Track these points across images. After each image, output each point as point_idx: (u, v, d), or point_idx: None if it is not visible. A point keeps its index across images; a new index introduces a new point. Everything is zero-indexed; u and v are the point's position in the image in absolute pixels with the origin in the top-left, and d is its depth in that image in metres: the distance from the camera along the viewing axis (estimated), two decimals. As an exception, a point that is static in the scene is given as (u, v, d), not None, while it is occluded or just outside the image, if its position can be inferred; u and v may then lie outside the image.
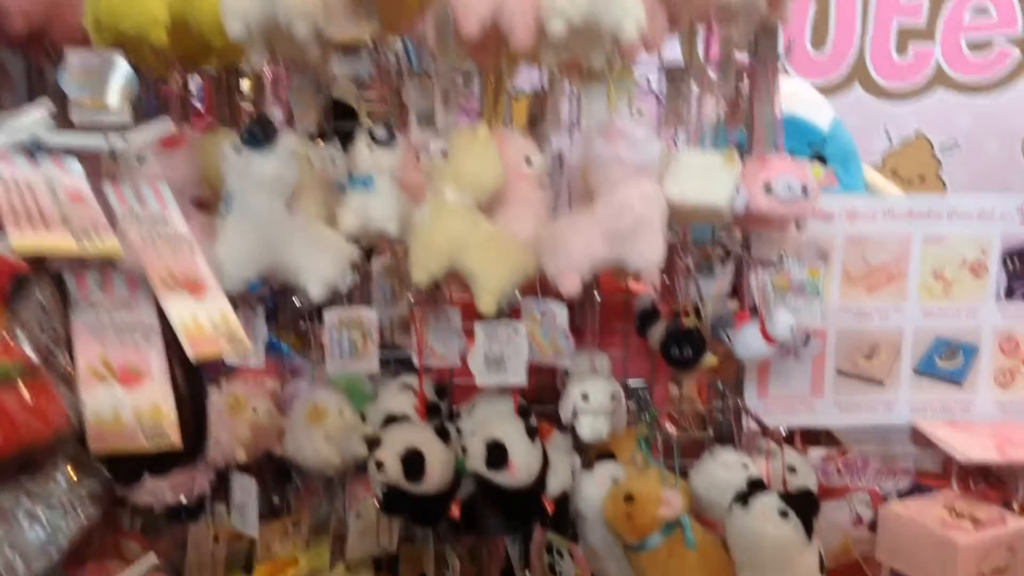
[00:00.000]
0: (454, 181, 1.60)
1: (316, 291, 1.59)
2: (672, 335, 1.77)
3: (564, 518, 1.80)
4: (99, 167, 0.83)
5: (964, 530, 1.73)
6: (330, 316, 1.69)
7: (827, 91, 3.22)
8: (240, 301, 1.73)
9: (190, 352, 0.80)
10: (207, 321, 0.82)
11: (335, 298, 1.75)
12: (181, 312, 0.81)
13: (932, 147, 3.58)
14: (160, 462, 0.89)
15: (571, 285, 1.62)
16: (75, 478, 0.78)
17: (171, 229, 0.84)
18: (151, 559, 1.00)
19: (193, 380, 0.87)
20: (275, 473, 2.00)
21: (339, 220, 1.64)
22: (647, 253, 1.59)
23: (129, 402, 0.81)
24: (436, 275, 1.62)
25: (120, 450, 0.80)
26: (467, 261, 1.62)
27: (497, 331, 1.72)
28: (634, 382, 2.06)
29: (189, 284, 0.83)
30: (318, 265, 1.59)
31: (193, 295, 0.83)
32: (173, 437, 0.82)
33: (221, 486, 1.87)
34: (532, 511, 1.77)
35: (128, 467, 0.86)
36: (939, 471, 2.05)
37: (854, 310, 2.02)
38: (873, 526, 2.01)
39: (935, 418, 2.03)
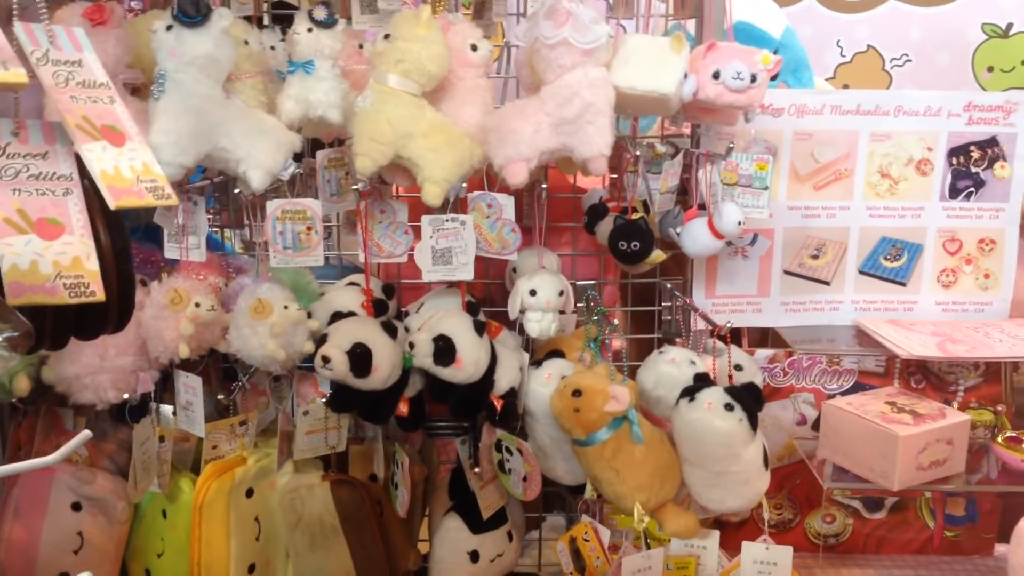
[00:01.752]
0: (397, 66, 1.56)
1: (257, 180, 1.55)
2: (620, 229, 1.76)
3: (513, 416, 1.80)
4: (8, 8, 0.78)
5: (904, 423, 1.76)
6: (272, 206, 1.65)
7: (780, 2, 3.18)
8: (180, 192, 1.69)
9: (110, 200, 0.77)
10: (128, 170, 0.79)
11: (279, 192, 1.72)
12: (100, 159, 0.77)
13: (883, 61, 3.57)
14: (86, 326, 0.86)
15: (518, 175, 1.60)
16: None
17: (88, 75, 0.80)
18: (86, 434, 0.97)
19: (117, 239, 0.84)
20: (221, 373, 1.98)
21: (279, 107, 1.59)
22: (595, 140, 1.57)
23: (48, 254, 0.77)
24: (380, 163, 1.59)
25: (40, 303, 0.77)
26: (412, 150, 1.59)
27: (444, 225, 1.69)
28: (583, 282, 2.05)
29: (108, 132, 0.79)
30: (258, 152, 1.55)
31: (113, 144, 0.79)
32: (97, 292, 0.79)
33: (166, 387, 1.85)
34: (480, 408, 1.77)
35: (53, 330, 0.83)
36: (882, 371, 2.08)
37: (801, 209, 2.02)
38: (816, 425, 2.04)
39: (879, 318, 2.05)
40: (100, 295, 0.79)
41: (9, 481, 1.85)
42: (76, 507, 1.81)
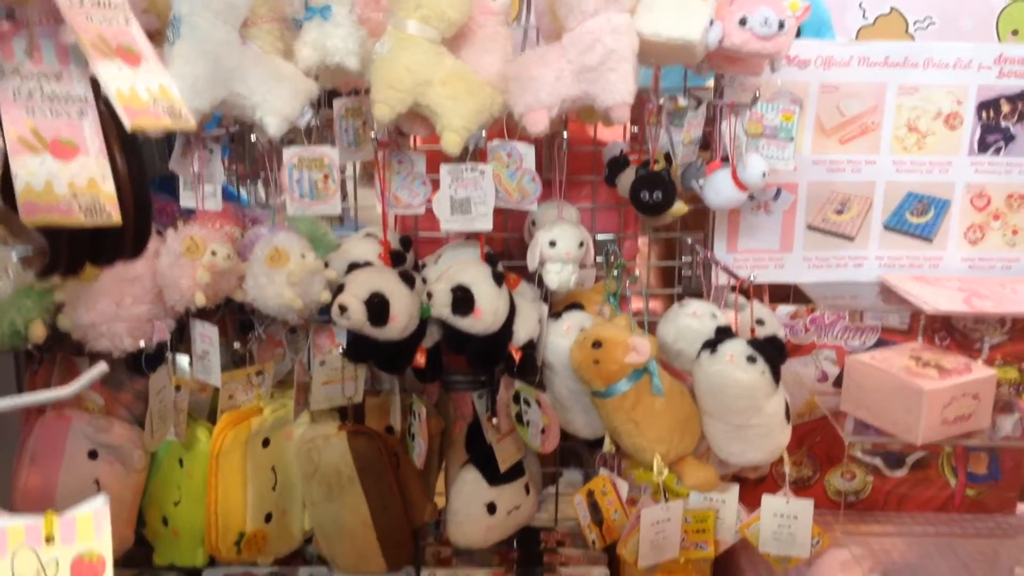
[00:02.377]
0: (416, 12, 1.53)
1: (273, 126, 1.53)
2: (642, 179, 1.73)
3: (531, 368, 1.79)
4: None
5: (929, 377, 1.73)
6: (289, 154, 1.63)
7: (804, -41, 3.12)
8: (196, 141, 1.68)
9: (126, 121, 0.75)
10: (144, 91, 0.77)
11: (296, 142, 1.70)
12: (116, 79, 0.75)
13: (907, 23, 3.50)
14: (102, 251, 0.85)
15: (539, 123, 1.57)
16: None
17: (103, -8, 0.78)
18: (102, 367, 0.96)
19: (134, 164, 0.82)
20: (237, 324, 1.97)
21: (296, 53, 1.57)
22: (618, 87, 1.53)
23: (63, 175, 0.75)
24: (398, 111, 1.56)
25: (55, 223, 0.75)
26: (430, 97, 1.56)
27: (463, 174, 1.67)
28: (603, 236, 2.03)
29: (124, 53, 0.77)
30: (275, 99, 1.52)
31: (128, 64, 0.77)
32: (113, 214, 0.77)
33: (183, 337, 1.85)
34: (498, 359, 1.75)
35: (69, 254, 0.81)
36: (905, 329, 2.05)
37: (826, 163, 1.98)
38: (838, 383, 2.01)
39: (904, 274, 2.01)
40: (116, 218, 0.77)
41: (26, 429, 1.86)
42: (92, 455, 1.81)
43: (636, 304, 2.01)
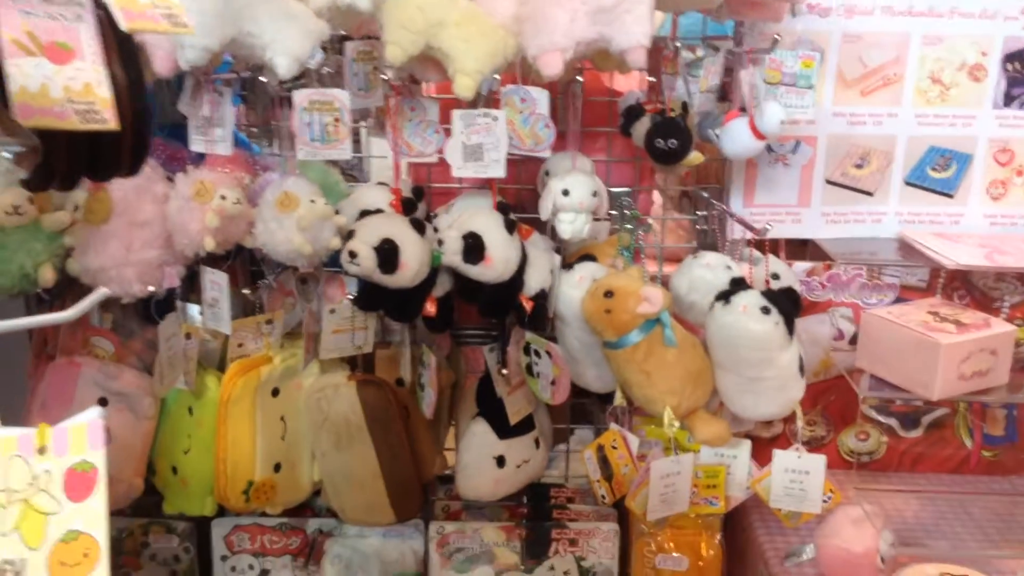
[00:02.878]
0: (430, -48, 1.50)
1: (284, 67, 1.51)
2: (657, 126, 1.70)
3: (543, 318, 1.77)
4: None
5: (947, 332, 1.70)
6: (299, 96, 1.61)
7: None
8: (206, 83, 1.66)
9: (122, 22, 0.73)
10: (143, -6, 0.75)
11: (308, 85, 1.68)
12: (113, -22, 0.74)
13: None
14: (99, 164, 0.83)
15: (553, 65, 1.54)
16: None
17: None
18: (103, 291, 0.95)
19: (132, 72, 0.80)
20: (248, 273, 1.96)
21: (307, -6, 1.54)
22: (634, 29, 1.50)
23: (58, 78, 0.74)
24: (410, 52, 1.53)
25: (49, 126, 0.73)
26: (443, 39, 1.54)
27: (475, 120, 1.64)
28: (617, 190, 2.00)
29: (123, -43, 0.75)
30: (285, 38, 1.50)
31: (127, -33, 0.75)
32: (109, 119, 0.75)
33: (193, 287, 1.84)
34: (509, 308, 1.74)
35: (66, 165, 0.80)
36: (924, 286, 2.02)
37: (847, 115, 1.94)
38: (854, 340, 1.98)
39: (924, 231, 1.98)
40: (113, 123, 0.75)
41: (36, 375, 1.86)
42: (103, 402, 1.80)
43: (653, 267, 1.99)
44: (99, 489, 0.86)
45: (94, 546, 0.85)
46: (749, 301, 1.61)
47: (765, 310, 1.60)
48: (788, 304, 1.63)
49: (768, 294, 1.63)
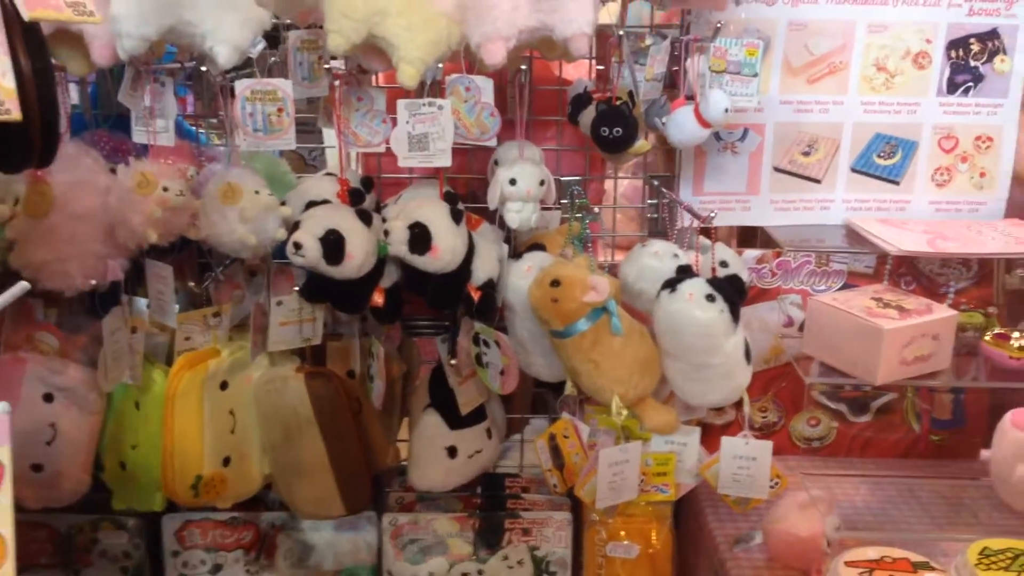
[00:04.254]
0: (370, -61, 1.49)
1: (224, 55, 1.49)
2: (602, 114, 1.69)
3: (491, 308, 1.76)
4: None
5: (889, 317, 1.71)
6: (241, 86, 1.59)
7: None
8: (147, 73, 1.64)
9: (24, 11, 0.72)
10: (44, -20, 0.74)
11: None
12: (16, -31, 0.72)
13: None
14: (9, 155, 0.82)
15: (496, 54, 1.54)
16: None
17: None
18: (23, 285, 0.94)
19: (38, 61, 0.78)
20: (197, 266, 1.94)
21: (248, -19, 1.52)
22: (576, 18, 1.51)
23: (-41, 66, 0.72)
24: (353, 41, 1.53)
25: (-49, 118, 0.72)
26: (386, 28, 1.53)
27: (420, 109, 1.63)
28: (568, 179, 2.00)
29: (27, -55, 0.74)
30: (226, 26, 1.48)
31: (27, -48, 0.74)
32: (12, 110, 0.74)
33: (142, 281, 1.82)
34: (457, 299, 1.73)
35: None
36: (871, 273, 2.03)
37: (794, 103, 1.95)
38: (803, 327, 1.99)
39: (870, 217, 1.99)
40: (16, 114, 0.74)
41: (-20, 370, 1.83)
42: (48, 398, 1.77)
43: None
44: (5, 485, 0.85)
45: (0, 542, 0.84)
46: (695, 289, 1.61)
47: (710, 297, 1.61)
48: (733, 291, 1.63)
49: (713, 281, 1.63)
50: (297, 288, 1.76)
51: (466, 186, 2.02)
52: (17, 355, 1.80)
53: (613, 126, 1.69)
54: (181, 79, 1.68)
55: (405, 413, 2.05)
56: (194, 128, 1.96)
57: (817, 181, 2.00)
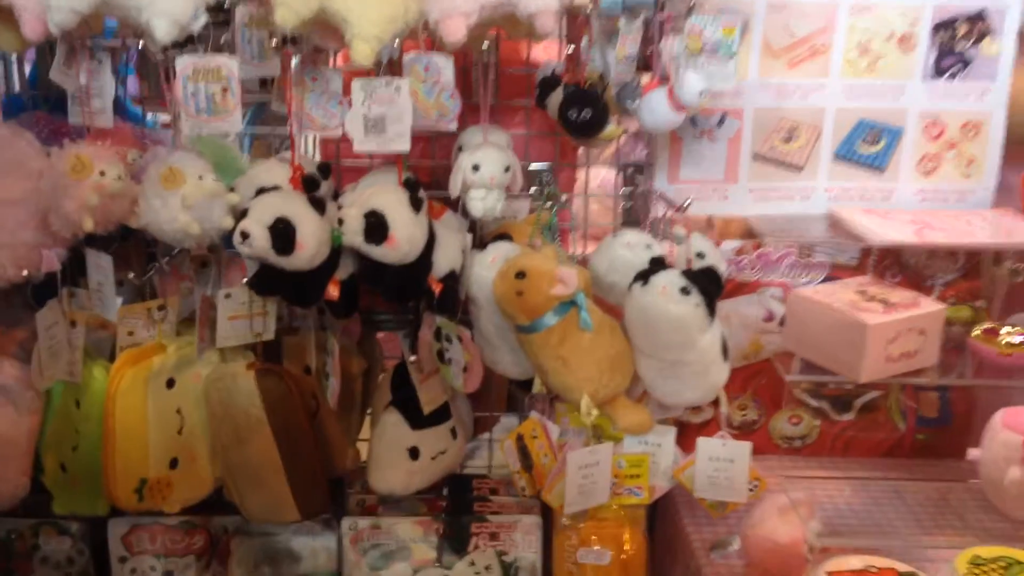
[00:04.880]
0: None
1: (162, 29, 1.39)
2: (570, 96, 1.61)
3: (453, 302, 1.67)
4: None
5: (873, 311, 1.63)
6: (182, 64, 1.48)
7: None
8: (82, 49, 1.53)
9: None
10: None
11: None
12: None
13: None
14: None
15: (456, 31, 1.44)
16: None
17: None
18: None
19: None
20: (144, 257, 1.84)
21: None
22: (540, -10, 1.41)
23: None
24: (303, 16, 1.42)
25: None
26: (338, 2, 1.42)
27: (376, 90, 1.53)
28: (537, 165, 1.91)
29: None
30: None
31: None
32: None
33: (83, 269, 1.71)
34: (417, 292, 1.64)
35: None
36: (855, 265, 1.94)
37: (774, 87, 1.87)
38: (784, 322, 1.91)
39: (854, 206, 1.91)
40: None
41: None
42: (-20, 395, 1.68)
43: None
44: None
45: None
46: (668, 281, 1.52)
47: (685, 291, 1.52)
48: (708, 284, 1.54)
49: (688, 273, 1.54)
50: (245, 280, 1.66)
51: (430, 174, 1.92)
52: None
53: (581, 108, 1.60)
54: (128, 56, 1.57)
55: (367, 411, 1.96)
56: (140, 109, 1.86)
57: (799, 169, 1.92)
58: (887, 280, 1.90)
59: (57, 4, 1.34)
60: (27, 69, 1.90)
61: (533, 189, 1.81)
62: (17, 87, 1.85)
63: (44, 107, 1.77)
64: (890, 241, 1.67)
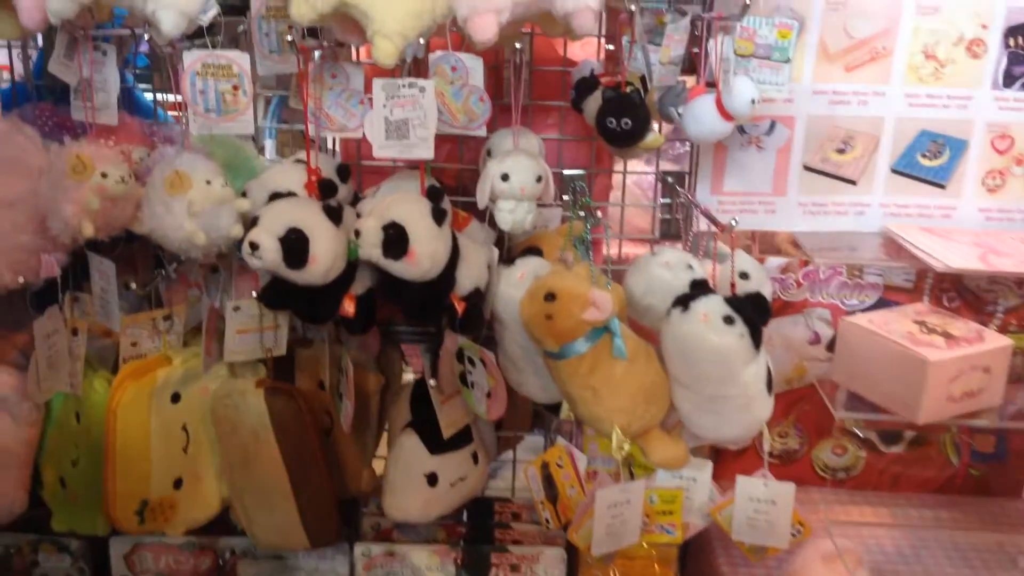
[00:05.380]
0: None
1: (168, 21, 1.29)
2: (609, 102, 1.48)
3: (477, 321, 1.55)
4: None
5: (935, 346, 1.50)
6: (190, 59, 1.37)
7: None
8: (85, 40, 1.43)
9: None
10: None
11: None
12: None
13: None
14: None
15: (486, 29, 1.32)
16: None
17: None
18: None
19: None
20: (152, 262, 1.73)
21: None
22: (578, -12, 1.28)
23: None
24: (321, 10, 1.31)
25: None
26: (360, -3, 1.31)
27: (399, 91, 1.42)
28: (570, 172, 1.78)
29: None
30: (168, -11, 1.27)
31: None
32: None
33: (84, 274, 1.62)
34: (439, 310, 1.52)
35: None
36: (910, 287, 1.81)
37: (828, 93, 1.73)
38: (832, 346, 1.79)
39: (911, 224, 1.77)
40: None
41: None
42: (-22, 405, 1.59)
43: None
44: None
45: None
46: (710, 308, 1.39)
47: (728, 320, 1.38)
48: (755, 312, 1.41)
49: (732, 300, 1.41)
50: (255, 293, 1.55)
51: (456, 178, 1.81)
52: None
53: (621, 117, 1.47)
54: (137, 48, 1.46)
55: (384, 427, 1.85)
56: (155, 105, 1.75)
57: (852, 182, 1.79)
58: (944, 304, 1.77)
59: (57, -6, 1.24)
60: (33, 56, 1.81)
61: (566, 197, 1.68)
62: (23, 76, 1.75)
63: (49, 98, 1.66)
64: (955, 268, 1.53)
